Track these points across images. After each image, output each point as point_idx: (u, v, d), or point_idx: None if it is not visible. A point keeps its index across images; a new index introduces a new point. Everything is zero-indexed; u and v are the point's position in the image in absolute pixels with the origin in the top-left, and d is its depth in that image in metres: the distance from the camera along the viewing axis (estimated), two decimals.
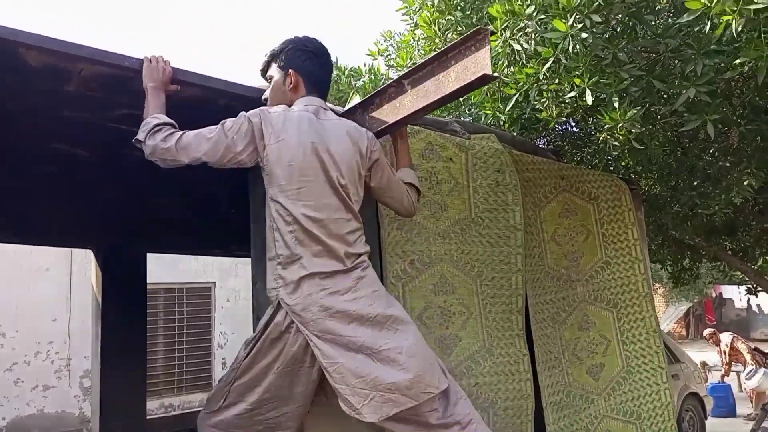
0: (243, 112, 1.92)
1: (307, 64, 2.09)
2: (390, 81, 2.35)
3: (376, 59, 4.32)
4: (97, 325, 4.90)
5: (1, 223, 4.01)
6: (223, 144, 1.85)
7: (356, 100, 2.93)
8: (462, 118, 3.65)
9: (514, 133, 3.31)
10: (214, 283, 8.90)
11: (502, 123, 3.32)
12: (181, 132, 1.87)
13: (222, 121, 1.90)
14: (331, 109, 2.19)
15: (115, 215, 4.32)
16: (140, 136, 1.86)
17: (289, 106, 2.04)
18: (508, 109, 2.83)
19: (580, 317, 3.13)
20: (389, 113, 2.25)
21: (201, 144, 1.84)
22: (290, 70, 2.07)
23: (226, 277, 8.96)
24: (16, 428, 6.93)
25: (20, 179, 3.37)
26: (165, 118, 1.89)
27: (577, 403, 2.94)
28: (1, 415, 6.85)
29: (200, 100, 2.21)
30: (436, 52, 2.04)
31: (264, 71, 2.17)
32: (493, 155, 2.87)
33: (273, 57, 2.12)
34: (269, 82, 2.15)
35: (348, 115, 2.46)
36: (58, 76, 2.04)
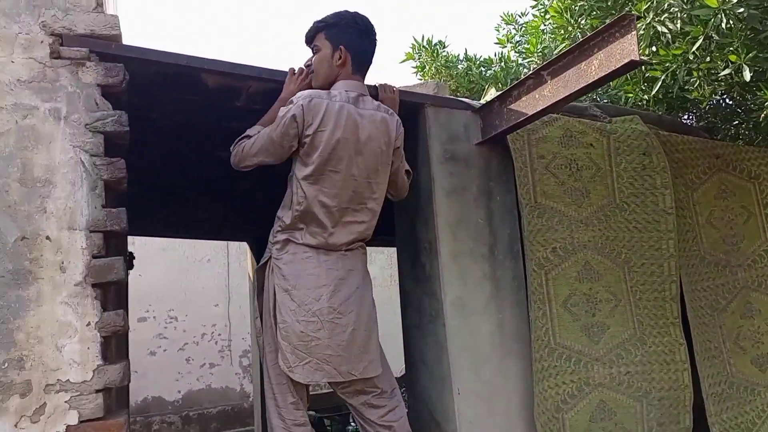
0: (292, 103, 1.98)
1: (356, 41, 2.09)
2: (528, 73, 2.36)
3: (504, 47, 4.28)
4: (254, 309, 5.41)
5: (173, 221, 4.60)
6: (270, 144, 2.02)
7: (492, 92, 2.97)
8: (599, 101, 3.53)
9: (660, 113, 3.14)
10: None
11: (645, 103, 3.17)
12: (246, 140, 2.08)
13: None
14: (370, 95, 2.18)
15: (267, 211, 4.73)
16: (231, 146, 2.12)
17: (334, 80, 2.10)
18: (654, 91, 2.70)
19: (743, 304, 2.92)
20: (528, 105, 2.28)
21: (253, 148, 2.06)
22: (341, 47, 2.07)
23: None
24: (189, 401, 7.89)
25: (190, 183, 3.83)
26: (255, 130, 2.11)
27: (741, 395, 2.77)
28: (177, 389, 7.83)
29: None
30: (576, 42, 2.03)
31: (310, 39, 2.14)
32: (637, 138, 2.77)
33: (324, 27, 2.09)
34: (313, 50, 2.14)
35: (485, 108, 2.52)
36: (231, 94, 2.33)
